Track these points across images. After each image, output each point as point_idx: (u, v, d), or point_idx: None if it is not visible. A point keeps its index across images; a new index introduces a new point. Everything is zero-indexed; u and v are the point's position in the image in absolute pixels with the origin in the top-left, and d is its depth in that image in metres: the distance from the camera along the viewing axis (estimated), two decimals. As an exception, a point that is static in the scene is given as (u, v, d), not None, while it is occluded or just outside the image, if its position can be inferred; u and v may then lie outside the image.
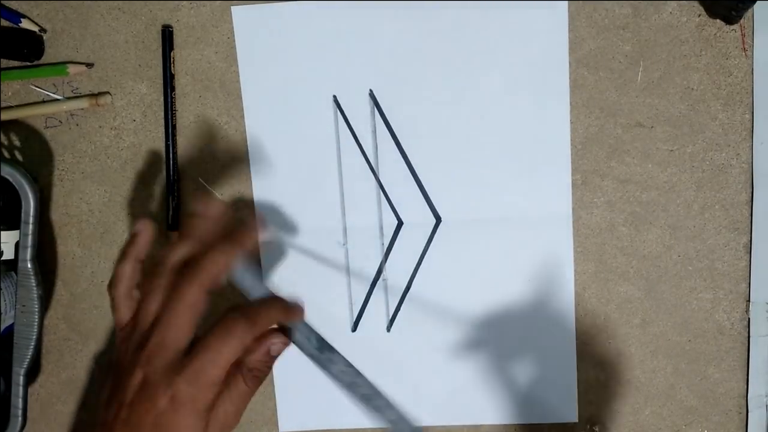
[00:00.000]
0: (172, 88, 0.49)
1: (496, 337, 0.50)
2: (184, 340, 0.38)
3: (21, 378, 0.48)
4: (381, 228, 0.50)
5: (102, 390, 0.40)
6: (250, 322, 0.38)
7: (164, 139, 0.50)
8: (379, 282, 0.51)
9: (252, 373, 0.41)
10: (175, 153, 0.50)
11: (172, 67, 0.49)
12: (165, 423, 0.38)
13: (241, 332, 0.38)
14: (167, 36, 0.49)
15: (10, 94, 0.51)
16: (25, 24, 0.50)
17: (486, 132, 0.48)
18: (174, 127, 0.50)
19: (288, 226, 0.51)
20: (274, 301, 0.40)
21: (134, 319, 0.40)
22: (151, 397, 0.38)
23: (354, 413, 0.46)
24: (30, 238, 0.47)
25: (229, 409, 0.40)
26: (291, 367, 0.50)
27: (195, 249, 0.39)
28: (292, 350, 0.42)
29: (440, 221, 0.50)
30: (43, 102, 0.51)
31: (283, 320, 0.40)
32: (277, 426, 0.53)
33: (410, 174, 0.49)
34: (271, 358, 0.42)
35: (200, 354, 0.38)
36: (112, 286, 0.41)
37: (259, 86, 0.49)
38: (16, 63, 0.51)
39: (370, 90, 0.49)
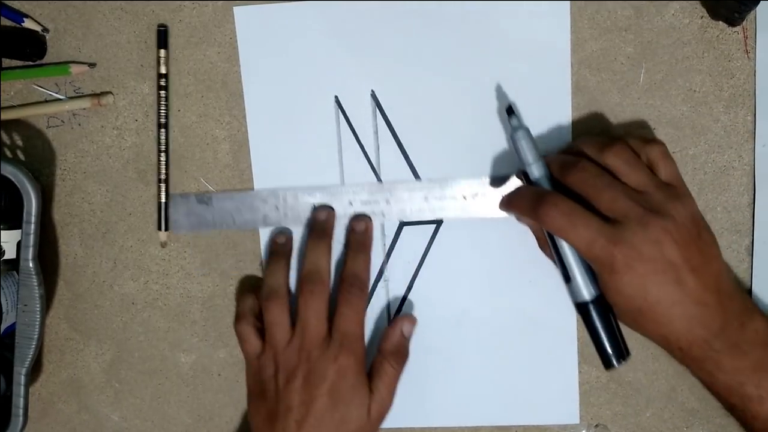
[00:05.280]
0: (162, 87, 0.49)
1: (496, 337, 0.50)
2: (325, 325, 0.46)
3: (22, 378, 0.48)
4: (382, 229, 0.50)
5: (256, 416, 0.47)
6: (363, 288, 0.48)
7: (156, 138, 0.50)
8: (381, 282, 0.51)
9: (394, 357, 0.48)
10: (166, 152, 0.50)
11: (163, 66, 0.49)
12: (339, 389, 0.45)
13: (357, 299, 0.47)
14: (160, 35, 0.49)
15: (12, 93, 0.51)
16: (27, 24, 0.50)
17: (487, 133, 0.48)
18: (164, 126, 0.50)
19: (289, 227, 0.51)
20: None
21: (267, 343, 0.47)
22: (320, 380, 0.45)
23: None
24: (32, 237, 0.47)
25: (383, 390, 0.47)
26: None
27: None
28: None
29: (442, 222, 0.50)
30: (46, 102, 0.51)
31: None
32: (278, 426, 0.53)
33: (412, 175, 0.49)
34: (405, 339, 0.49)
35: (340, 325, 0.46)
36: (239, 322, 0.48)
37: (261, 87, 0.49)
38: (18, 62, 0.51)
39: (372, 91, 0.49)
